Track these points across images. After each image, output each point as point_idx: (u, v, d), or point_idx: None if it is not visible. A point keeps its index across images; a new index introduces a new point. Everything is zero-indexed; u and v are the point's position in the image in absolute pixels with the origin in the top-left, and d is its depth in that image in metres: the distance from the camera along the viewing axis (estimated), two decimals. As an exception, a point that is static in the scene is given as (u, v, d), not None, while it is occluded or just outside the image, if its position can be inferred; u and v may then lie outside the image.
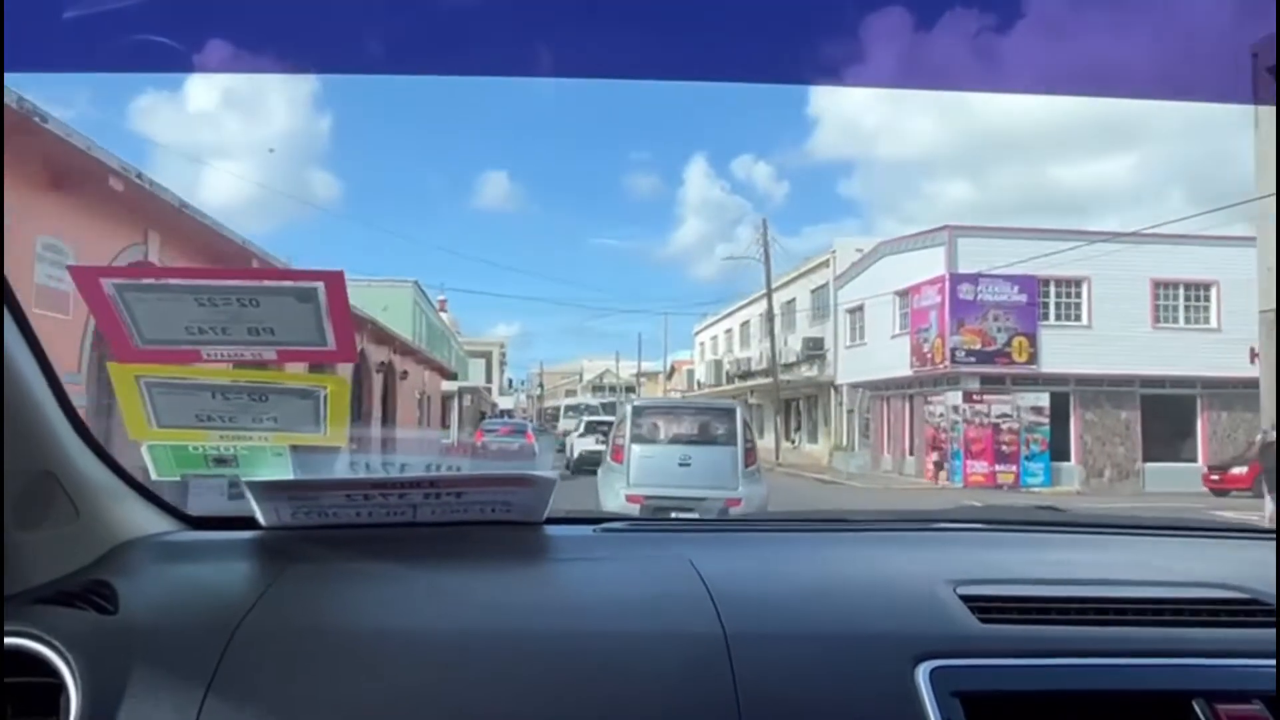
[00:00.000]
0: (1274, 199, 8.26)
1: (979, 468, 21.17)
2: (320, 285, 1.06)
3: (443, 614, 1.05)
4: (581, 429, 24.18)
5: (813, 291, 32.20)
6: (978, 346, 21.48)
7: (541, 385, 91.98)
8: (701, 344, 51.68)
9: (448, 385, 35.92)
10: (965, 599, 1.08)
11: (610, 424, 13.58)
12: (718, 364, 43.38)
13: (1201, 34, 1.03)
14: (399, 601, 1.09)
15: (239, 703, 0.89)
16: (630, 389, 79.65)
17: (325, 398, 1.19)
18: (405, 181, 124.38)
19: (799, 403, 33.39)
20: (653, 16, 1.02)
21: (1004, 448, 21.29)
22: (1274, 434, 13.78)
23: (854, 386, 28.09)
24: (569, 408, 39.69)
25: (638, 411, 9.47)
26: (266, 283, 1.08)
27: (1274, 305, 11.82)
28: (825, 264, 30.42)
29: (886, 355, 24.73)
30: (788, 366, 33.87)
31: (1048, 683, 0.96)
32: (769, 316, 30.83)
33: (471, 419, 41.79)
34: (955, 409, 21.60)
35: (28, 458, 1.02)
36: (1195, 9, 1.05)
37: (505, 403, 69.05)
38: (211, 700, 0.88)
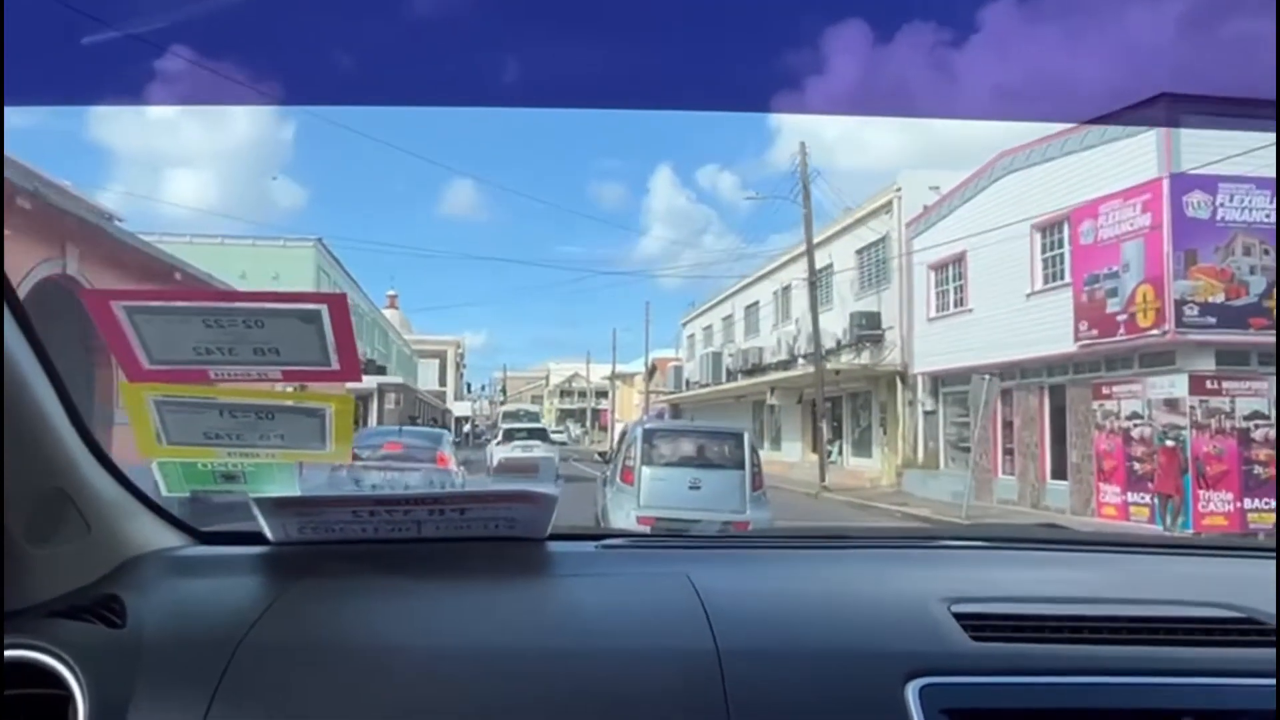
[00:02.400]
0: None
1: (1219, 502, 12.11)
2: (324, 308, 1.09)
3: (445, 630, 1.06)
4: (500, 437, 24.36)
5: (860, 251, 23.21)
6: (1219, 297, 12.46)
7: (504, 391, 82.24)
8: (691, 336, 42.38)
9: (364, 382, 26.23)
10: (958, 616, 1.07)
11: (530, 433, 23.35)
12: (715, 358, 34.20)
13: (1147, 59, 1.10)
14: (403, 617, 1.10)
15: (243, 715, 0.90)
16: (602, 394, 71.13)
17: (330, 416, 1.21)
18: (370, 189, 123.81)
19: (841, 403, 24.38)
20: (618, 47, 1.04)
21: (1257, 469, 12.27)
22: None
23: (939, 376, 19.16)
24: (507, 414, 37.44)
25: (648, 435, 9.41)
26: (271, 305, 1.10)
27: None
28: (885, 208, 21.42)
29: (1015, 324, 15.75)
30: (822, 355, 24.92)
31: (1037, 701, 0.95)
32: (811, 280, 21.70)
33: (399, 424, 32.60)
34: (1173, 404, 12.54)
35: (40, 474, 1.03)
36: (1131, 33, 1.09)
37: (461, 409, 59.13)
38: (215, 712, 0.89)
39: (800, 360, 26.48)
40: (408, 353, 51.74)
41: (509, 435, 24.19)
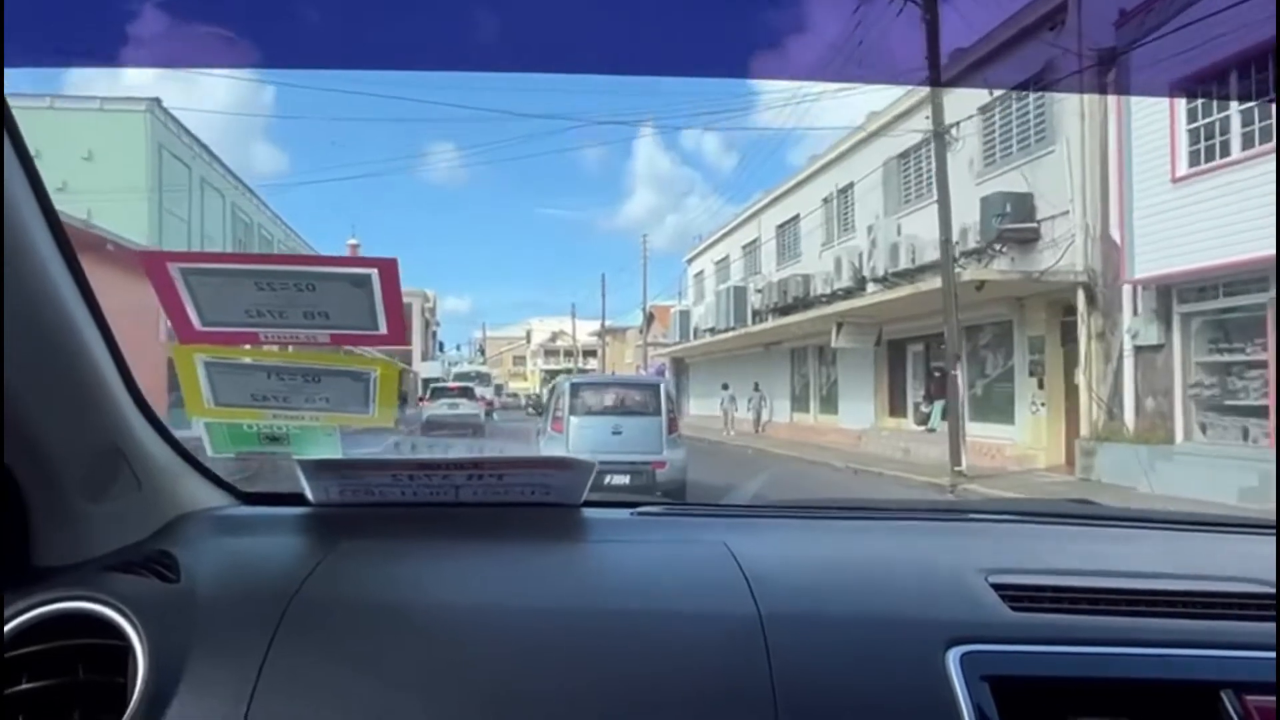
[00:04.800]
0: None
1: None
2: (374, 272, 1.09)
3: (485, 590, 1.07)
4: (429, 395, 26.24)
5: (991, 106, 14.63)
6: None
7: (483, 351, 73.51)
8: (699, 275, 33.76)
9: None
10: (996, 587, 1.07)
11: (458, 391, 25.60)
12: (736, 295, 25.68)
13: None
14: (446, 578, 1.11)
15: (297, 667, 0.91)
16: (591, 353, 62.74)
17: (375, 380, 1.21)
18: (350, 154, 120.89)
19: (942, 341, 16.09)
20: (602, 12, 1.03)
21: None
22: None
23: (1183, 284, 10.79)
24: (458, 375, 37.79)
25: (575, 388, 10.01)
26: (323, 269, 1.10)
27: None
28: (1057, 13, 12.73)
29: None
30: (908, 274, 16.47)
31: (1077, 670, 0.94)
32: (937, 127, 12.91)
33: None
34: None
35: (97, 433, 1.05)
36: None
37: (430, 370, 50.36)
38: (271, 664, 0.91)
39: (871, 286, 18.00)
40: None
41: (436, 394, 25.62)
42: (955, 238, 14.71)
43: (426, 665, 0.92)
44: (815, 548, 1.26)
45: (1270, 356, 9.72)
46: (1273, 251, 9.02)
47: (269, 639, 0.93)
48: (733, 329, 25.04)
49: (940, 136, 12.28)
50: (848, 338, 17.34)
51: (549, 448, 9.42)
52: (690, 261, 34.89)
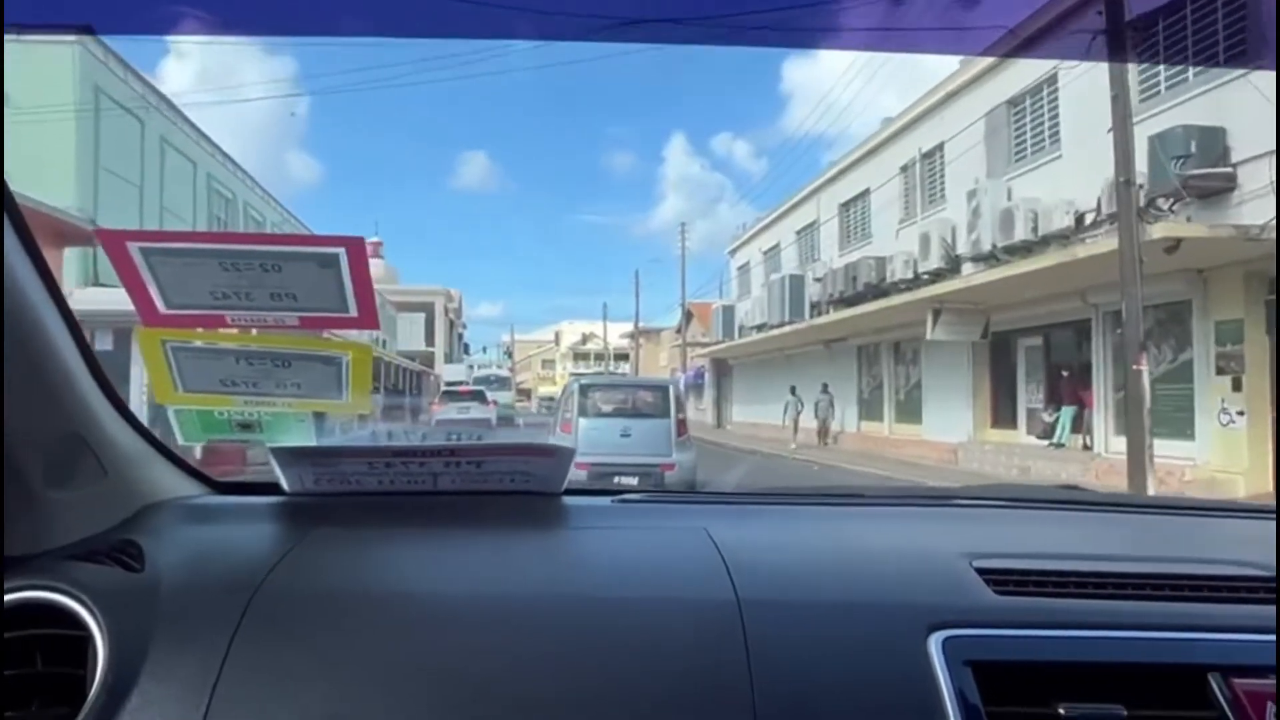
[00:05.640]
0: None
1: None
2: (342, 251, 1.05)
3: (461, 578, 1.03)
4: (439, 398, 25.81)
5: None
6: None
7: (510, 354, 70.55)
8: (743, 268, 30.29)
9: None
10: (980, 571, 1.04)
11: (469, 395, 25.26)
12: (792, 285, 22.18)
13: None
14: (419, 566, 1.08)
15: (261, 658, 0.89)
16: (623, 356, 59.37)
17: (348, 364, 1.18)
18: (384, 163, 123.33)
19: (1070, 331, 12.42)
20: None
21: None
22: None
23: None
24: (476, 379, 36.38)
25: (584, 389, 9.74)
26: (289, 248, 1.07)
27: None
28: None
29: None
30: (1026, 248, 12.90)
31: (1061, 654, 0.92)
32: (1111, 30, 9.45)
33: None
34: None
35: (58, 419, 1.02)
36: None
37: (455, 373, 47.30)
38: (234, 655, 0.88)
39: (968, 267, 14.47)
40: (378, 302, 40.00)
41: (447, 396, 25.43)
42: (1101, 200, 11.15)
43: (396, 654, 0.90)
44: (796, 534, 1.23)
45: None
46: None
47: (234, 628, 0.91)
48: (788, 323, 21.52)
49: (1121, 36, 8.68)
50: (947, 328, 13.79)
51: None
52: (733, 253, 31.39)
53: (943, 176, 16.48)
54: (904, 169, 17.87)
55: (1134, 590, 1.01)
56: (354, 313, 1.07)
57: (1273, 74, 8.70)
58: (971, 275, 13.66)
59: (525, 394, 59.41)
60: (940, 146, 16.39)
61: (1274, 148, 9.04)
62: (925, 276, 16.11)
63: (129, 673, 0.85)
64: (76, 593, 0.89)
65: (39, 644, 0.88)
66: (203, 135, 17.04)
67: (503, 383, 39.75)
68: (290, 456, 1.22)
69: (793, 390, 21.25)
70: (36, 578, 0.90)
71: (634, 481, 8.57)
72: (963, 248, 14.84)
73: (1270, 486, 9.61)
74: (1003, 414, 15.02)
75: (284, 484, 1.26)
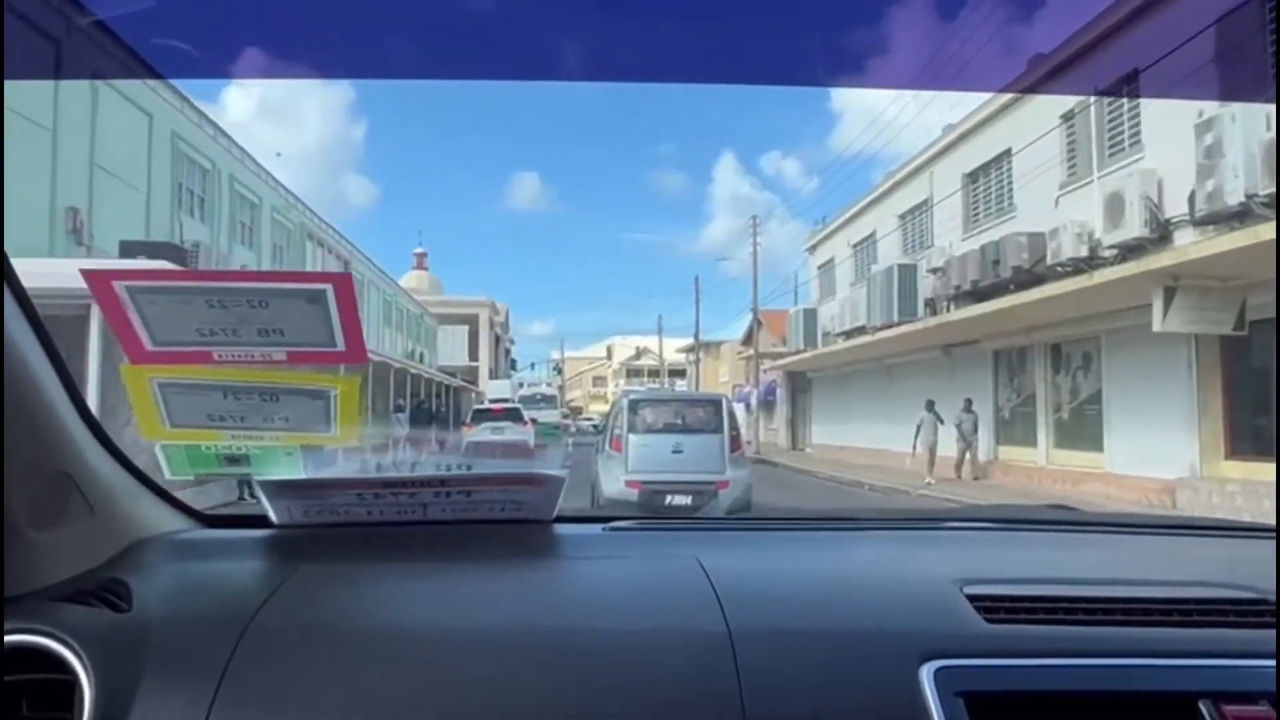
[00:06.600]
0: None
1: None
2: (329, 287, 1.05)
3: (452, 613, 1.02)
4: (470, 418, 23.71)
5: None
6: None
7: (559, 370, 67.00)
8: (824, 266, 26.00)
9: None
10: (971, 598, 1.03)
11: (503, 414, 22.58)
12: (902, 275, 17.87)
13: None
14: (409, 601, 1.06)
15: (251, 698, 0.87)
16: (679, 373, 55.25)
17: (336, 397, 1.17)
18: (439, 184, 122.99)
19: None
20: (677, 18, 1.00)
21: None
22: None
23: None
24: (522, 398, 32.35)
25: (634, 405, 9.45)
26: (276, 284, 1.07)
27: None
28: None
29: None
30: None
31: (1053, 683, 0.91)
32: None
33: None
34: None
35: (43, 458, 0.99)
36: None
37: (499, 389, 43.75)
38: (223, 695, 0.87)
39: (1187, 234, 10.14)
40: (415, 311, 36.64)
41: (479, 417, 23.45)
42: None
43: (388, 692, 0.88)
44: (787, 560, 1.22)
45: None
46: None
47: (222, 668, 0.89)
48: (897, 325, 17.22)
49: None
50: (1185, 315, 9.44)
51: (607, 466, 9.13)
52: (812, 249, 27.12)
53: (1136, 117, 12.13)
54: (1068, 116, 13.54)
55: (1123, 615, 1.00)
56: (341, 347, 1.07)
57: None
58: (1218, 238, 9.29)
59: (575, 412, 55.52)
60: (1129, 78, 12.04)
61: None
62: (1111, 253, 11.78)
63: (116, 717, 0.84)
64: (63, 636, 0.88)
65: (25, 689, 0.87)
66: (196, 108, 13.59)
67: (549, 401, 35.38)
68: (278, 489, 1.20)
69: (929, 406, 15.56)
70: (22, 621, 0.88)
71: (687, 501, 8.44)
72: (1176, 208, 10.51)
73: None
74: (1244, 438, 10.51)
75: (272, 516, 1.24)
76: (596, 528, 1.34)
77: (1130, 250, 11.46)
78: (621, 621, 0.99)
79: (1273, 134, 9.23)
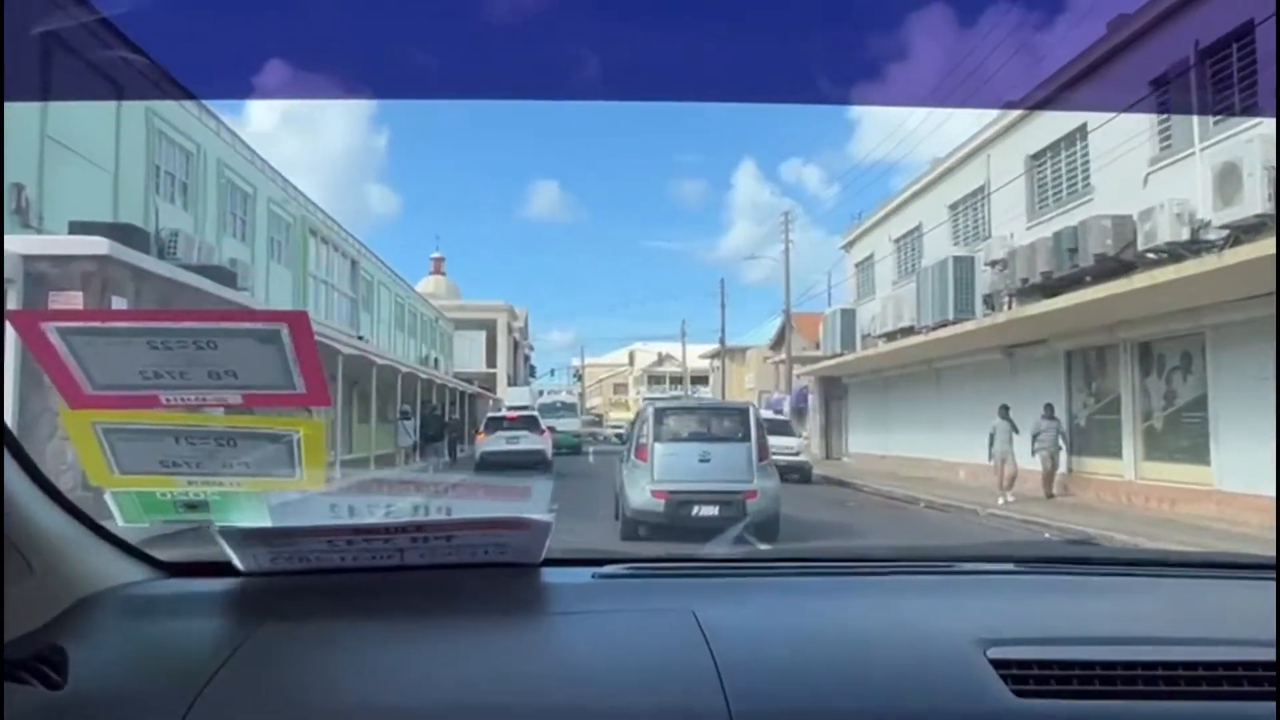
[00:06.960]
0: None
1: None
2: (283, 327, 0.98)
3: (428, 684, 0.95)
4: (484, 427, 22.79)
5: None
6: None
7: (580, 377, 65.48)
8: (862, 264, 24.30)
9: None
10: (996, 664, 0.98)
11: (518, 423, 21.29)
12: (958, 270, 16.16)
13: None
14: (381, 667, 0.98)
15: None
16: (701, 379, 53.61)
17: (298, 441, 1.09)
18: (460, 193, 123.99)
19: None
20: (694, 38, 1.02)
21: None
22: None
23: None
24: (542, 406, 29.54)
25: (659, 413, 9.28)
26: (224, 324, 1.00)
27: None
28: None
29: None
30: None
31: None
32: None
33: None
34: None
35: None
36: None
37: (516, 397, 42.36)
38: None
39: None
40: (429, 315, 35.25)
41: (493, 425, 21.99)
42: None
43: None
44: (793, 616, 1.14)
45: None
46: None
47: None
48: (953, 323, 15.53)
49: None
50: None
51: (633, 476, 8.93)
52: (849, 246, 25.44)
53: (1249, 77, 10.42)
54: (1158, 84, 11.83)
55: (1145, 685, 0.97)
56: (301, 390, 1.01)
57: None
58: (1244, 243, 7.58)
59: (596, 420, 53.93)
60: (1243, 31, 10.36)
61: None
62: (1221, 234, 10.09)
63: None
64: None
65: None
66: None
67: (569, 409, 33.92)
68: (242, 537, 1.13)
69: (1004, 412, 13.40)
70: None
71: (714, 511, 8.24)
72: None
73: None
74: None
75: (238, 564, 1.17)
76: (585, 573, 1.26)
77: (1247, 230, 9.77)
78: (610, 699, 0.92)
79: None
